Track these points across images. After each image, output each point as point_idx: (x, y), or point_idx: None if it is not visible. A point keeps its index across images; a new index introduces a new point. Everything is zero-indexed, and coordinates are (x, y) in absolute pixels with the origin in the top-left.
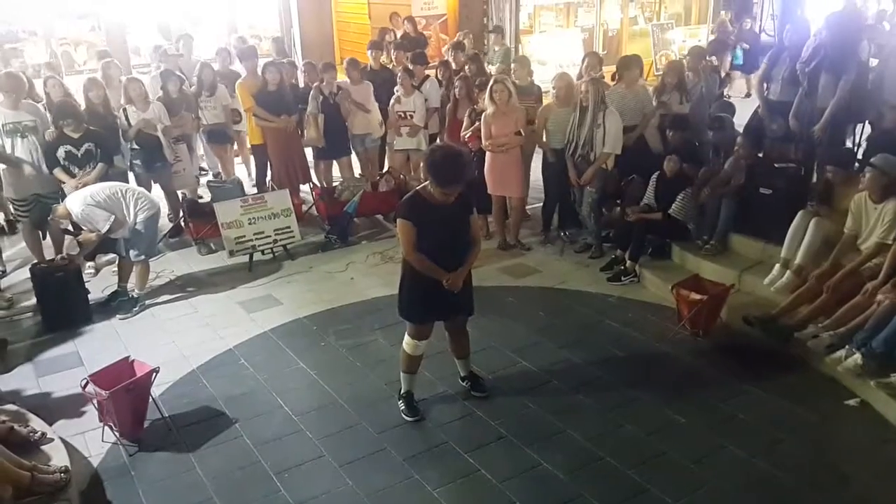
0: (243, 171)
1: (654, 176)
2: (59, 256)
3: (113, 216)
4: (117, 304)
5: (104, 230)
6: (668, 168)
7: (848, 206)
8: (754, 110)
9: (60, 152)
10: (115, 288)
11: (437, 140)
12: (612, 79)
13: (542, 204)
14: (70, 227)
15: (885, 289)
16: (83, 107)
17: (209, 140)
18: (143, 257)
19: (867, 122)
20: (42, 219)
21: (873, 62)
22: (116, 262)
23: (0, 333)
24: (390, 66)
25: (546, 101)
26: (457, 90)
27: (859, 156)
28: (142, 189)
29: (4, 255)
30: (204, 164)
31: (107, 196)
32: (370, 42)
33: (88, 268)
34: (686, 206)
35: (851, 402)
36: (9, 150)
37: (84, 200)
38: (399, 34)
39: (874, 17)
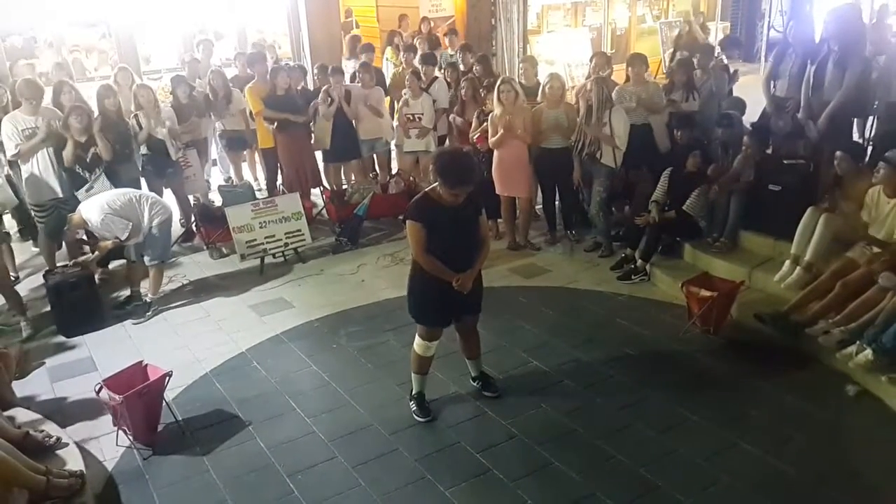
0: (249, 175)
1: (667, 172)
2: (72, 262)
3: (130, 223)
4: (131, 309)
5: (123, 237)
6: (691, 164)
7: (857, 200)
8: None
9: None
10: (127, 293)
11: (446, 142)
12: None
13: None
14: (85, 237)
15: (892, 277)
16: (97, 113)
17: (228, 147)
18: (157, 262)
19: (874, 117)
20: (57, 229)
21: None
22: (127, 267)
23: (17, 343)
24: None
25: None
26: (462, 91)
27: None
28: (154, 194)
29: (17, 262)
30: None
31: (122, 203)
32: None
33: (101, 273)
34: (699, 203)
35: (850, 388)
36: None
37: (101, 209)
38: (406, 36)
39: (876, 14)
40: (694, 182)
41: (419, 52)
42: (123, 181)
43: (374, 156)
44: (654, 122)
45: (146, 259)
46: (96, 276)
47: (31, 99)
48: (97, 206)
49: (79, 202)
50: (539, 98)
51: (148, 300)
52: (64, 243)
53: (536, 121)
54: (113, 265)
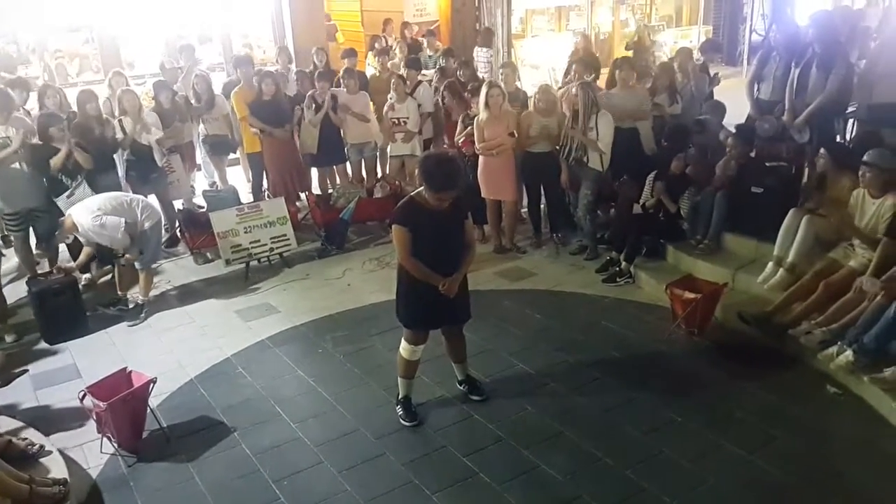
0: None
1: (651, 176)
2: (55, 269)
3: (124, 220)
4: (123, 312)
5: (119, 235)
6: (675, 167)
7: (840, 200)
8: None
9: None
10: (114, 297)
11: (432, 145)
12: (608, 84)
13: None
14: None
15: (875, 282)
16: (77, 118)
17: (212, 152)
18: (148, 265)
19: (854, 120)
20: (49, 233)
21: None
22: (114, 272)
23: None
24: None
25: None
26: (446, 98)
27: None
28: (143, 197)
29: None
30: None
31: (114, 205)
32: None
33: (84, 280)
34: (688, 205)
35: (831, 389)
36: None
37: (92, 211)
38: (391, 41)
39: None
40: (684, 185)
41: (398, 57)
42: (102, 187)
43: (363, 160)
44: (641, 125)
45: (136, 263)
46: (80, 283)
47: (2, 109)
48: (87, 208)
49: (57, 209)
50: (532, 108)
51: (140, 302)
52: (45, 249)
53: (525, 126)
54: (97, 271)
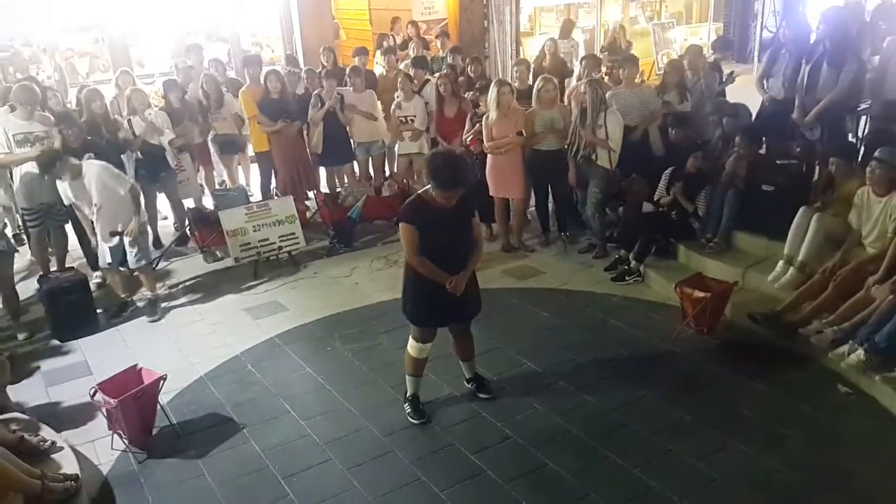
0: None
1: (668, 172)
2: (66, 266)
3: (131, 183)
4: (142, 309)
5: (123, 192)
6: (690, 165)
7: (849, 199)
8: (759, 107)
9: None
10: (119, 306)
11: (439, 144)
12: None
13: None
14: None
15: (883, 288)
16: (84, 118)
17: (221, 150)
18: (143, 262)
19: (867, 117)
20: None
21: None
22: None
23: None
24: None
25: None
26: (440, 87)
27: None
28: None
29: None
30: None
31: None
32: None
33: (95, 277)
34: (706, 203)
35: (842, 388)
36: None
37: (103, 164)
38: (399, 39)
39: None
40: (702, 182)
41: (411, 55)
42: None
43: (370, 159)
44: (650, 126)
45: (132, 260)
46: (91, 282)
47: (27, 104)
48: (99, 163)
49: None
50: (534, 101)
51: (151, 297)
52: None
53: (530, 122)
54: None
